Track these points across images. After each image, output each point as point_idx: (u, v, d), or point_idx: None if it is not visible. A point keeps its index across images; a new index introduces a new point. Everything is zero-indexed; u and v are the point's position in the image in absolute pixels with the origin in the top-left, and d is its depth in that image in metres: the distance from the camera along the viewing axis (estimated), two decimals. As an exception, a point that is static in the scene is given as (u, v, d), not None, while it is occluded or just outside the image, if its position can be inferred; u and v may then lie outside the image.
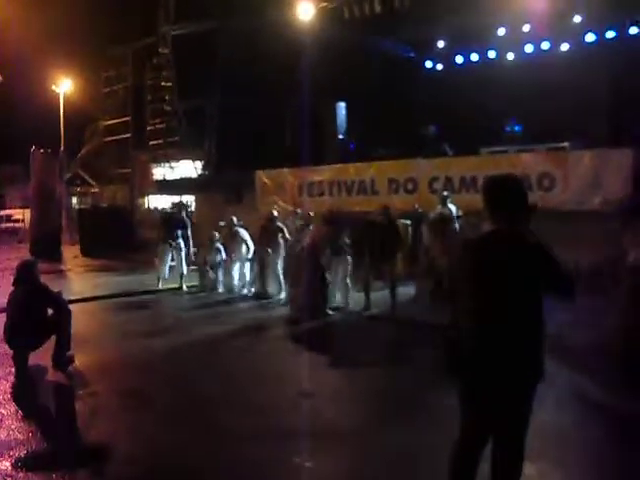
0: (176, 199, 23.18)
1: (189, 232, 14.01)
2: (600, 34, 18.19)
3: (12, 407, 6.29)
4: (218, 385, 7.03)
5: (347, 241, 11.14)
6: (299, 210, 14.53)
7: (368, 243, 10.84)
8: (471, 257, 3.58)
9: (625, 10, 16.89)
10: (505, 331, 3.41)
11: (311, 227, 12.18)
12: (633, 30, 17.67)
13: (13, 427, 5.71)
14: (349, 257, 11.13)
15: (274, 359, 8.26)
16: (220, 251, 13.44)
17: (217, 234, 13.74)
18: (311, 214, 12.91)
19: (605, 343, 7.69)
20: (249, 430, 5.61)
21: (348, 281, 11.17)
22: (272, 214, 13.03)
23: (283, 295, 12.25)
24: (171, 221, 14.08)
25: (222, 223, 14.01)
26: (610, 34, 18.06)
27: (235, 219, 13.45)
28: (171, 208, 16.65)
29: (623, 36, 17.85)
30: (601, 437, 5.58)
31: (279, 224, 12.76)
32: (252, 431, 5.59)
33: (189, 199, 23.91)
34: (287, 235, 12.64)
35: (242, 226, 13.38)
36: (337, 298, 11.31)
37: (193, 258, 14.22)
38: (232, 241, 13.20)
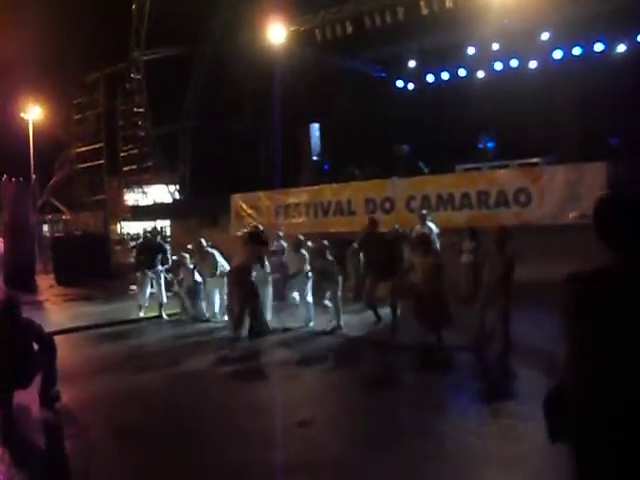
0: (150, 225, 23.01)
1: (168, 257, 13.82)
2: (567, 51, 18.59)
3: (-2, 449, 6.07)
4: (213, 417, 6.85)
5: (332, 262, 11.11)
6: (281, 232, 14.26)
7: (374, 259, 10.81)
8: (580, 302, 2.47)
9: (590, 27, 17.26)
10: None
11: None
12: (598, 46, 18.10)
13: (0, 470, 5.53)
14: (339, 278, 11.09)
15: (266, 387, 8.13)
16: (193, 273, 13.19)
17: (187, 255, 13.50)
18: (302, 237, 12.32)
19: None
20: (254, 464, 5.44)
21: (339, 303, 11.07)
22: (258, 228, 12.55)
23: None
24: (149, 248, 13.87)
25: (190, 246, 13.71)
26: (577, 50, 18.48)
27: (204, 241, 12.94)
28: (145, 234, 16.35)
29: (589, 52, 18.26)
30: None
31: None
32: (258, 465, 5.42)
33: (164, 224, 23.74)
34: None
35: (212, 247, 12.99)
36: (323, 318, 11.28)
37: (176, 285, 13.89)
38: (203, 263, 12.92)
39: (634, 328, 2.32)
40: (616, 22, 16.75)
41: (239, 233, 12.60)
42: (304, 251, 11.84)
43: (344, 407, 7.21)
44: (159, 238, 14.62)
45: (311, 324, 11.51)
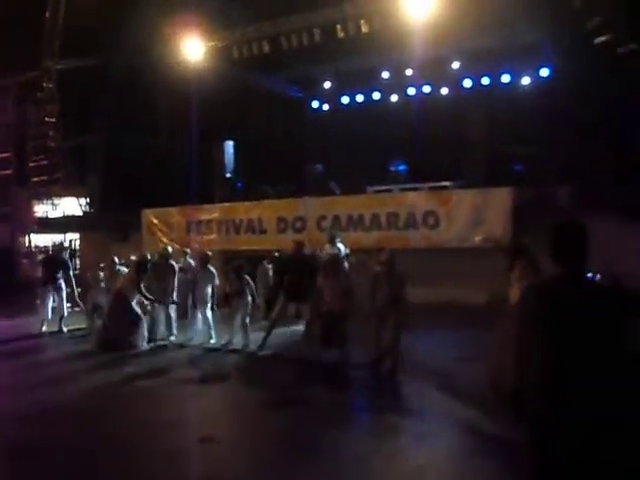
0: (59, 238, 22.40)
1: (71, 273, 13.66)
2: (476, 80, 19.31)
3: None
4: (112, 435, 6.68)
5: (248, 281, 11.15)
6: (188, 250, 14.28)
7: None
8: (539, 306, 3.24)
9: (498, 59, 18.08)
10: (581, 397, 3.00)
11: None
12: (505, 78, 18.93)
13: None
14: (249, 298, 11.12)
15: (167, 404, 7.99)
16: (107, 291, 12.99)
17: (102, 274, 13.35)
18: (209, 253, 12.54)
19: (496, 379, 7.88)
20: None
21: (247, 321, 11.10)
22: (166, 251, 12.61)
23: (172, 337, 12.02)
24: (53, 262, 13.65)
25: (102, 264, 13.57)
26: (485, 80, 19.24)
27: (116, 259, 13.05)
28: (53, 249, 15.97)
29: (497, 82, 19.04)
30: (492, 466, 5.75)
31: (172, 263, 12.24)
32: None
33: (73, 237, 23.11)
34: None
35: (124, 265, 12.98)
36: (234, 339, 11.23)
37: (78, 300, 13.76)
38: (112, 280, 12.74)
39: (577, 321, 3.06)
40: (521, 56, 17.58)
41: (132, 257, 12.72)
42: (212, 268, 11.91)
43: (248, 424, 7.21)
44: (66, 254, 14.30)
45: (212, 341, 11.63)
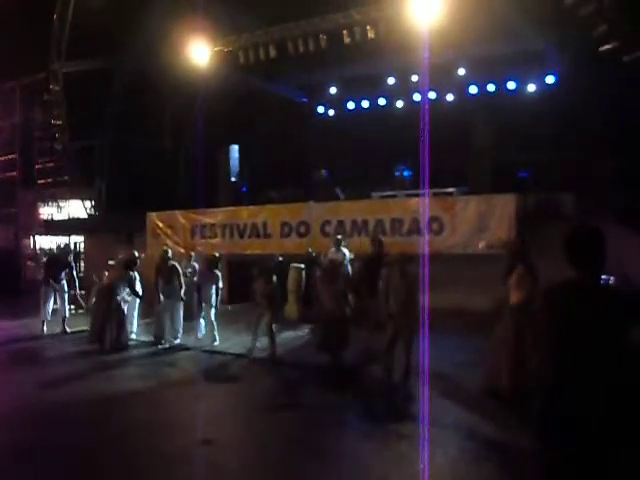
0: (64, 240, 22.48)
1: (74, 274, 13.78)
2: (482, 86, 19.34)
3: None
4: (113, 436, 6.74)
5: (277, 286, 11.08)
6: (193, 253, 14.40)
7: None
8: (554, 310, 3.34)
9: (503, 66, 18.13)
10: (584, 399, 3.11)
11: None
12: (511, 85, 18.97)
13: None
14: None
15: (171, 406, 8.02)
16: None
17: (106, 273, 13.39)
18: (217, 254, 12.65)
19: (492, 382, 7.89)
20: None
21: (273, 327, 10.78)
22: (166, 253, 12.67)
23: (178, 340, 12.09)
24: (56, 263, 13.72)
25: (111, 262, 13.58)
26: (491, 87, 19.27)
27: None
28: (57, 250, 16.03)
29: (502, 89, 19.06)
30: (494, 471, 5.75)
31: (173, 263, 12.34)
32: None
33: (78, 240, 23.16)
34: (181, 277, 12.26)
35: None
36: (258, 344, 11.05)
37: (81, 301, 13.96)
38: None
39: (595, 326, 3.12)
40: (527, 63, 17.66)
41: (120, 256, 12.97)
42: (217, 270, 11.96)
43: (249, 427, 7.24)
44: (70, 256, 14.40)
45: (216, 343, 11.70)
